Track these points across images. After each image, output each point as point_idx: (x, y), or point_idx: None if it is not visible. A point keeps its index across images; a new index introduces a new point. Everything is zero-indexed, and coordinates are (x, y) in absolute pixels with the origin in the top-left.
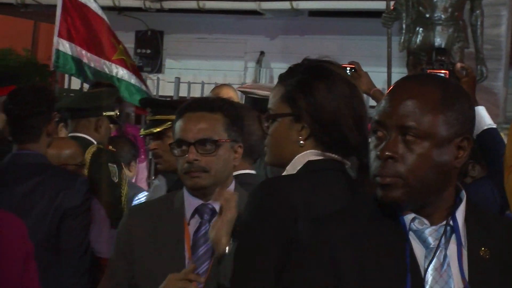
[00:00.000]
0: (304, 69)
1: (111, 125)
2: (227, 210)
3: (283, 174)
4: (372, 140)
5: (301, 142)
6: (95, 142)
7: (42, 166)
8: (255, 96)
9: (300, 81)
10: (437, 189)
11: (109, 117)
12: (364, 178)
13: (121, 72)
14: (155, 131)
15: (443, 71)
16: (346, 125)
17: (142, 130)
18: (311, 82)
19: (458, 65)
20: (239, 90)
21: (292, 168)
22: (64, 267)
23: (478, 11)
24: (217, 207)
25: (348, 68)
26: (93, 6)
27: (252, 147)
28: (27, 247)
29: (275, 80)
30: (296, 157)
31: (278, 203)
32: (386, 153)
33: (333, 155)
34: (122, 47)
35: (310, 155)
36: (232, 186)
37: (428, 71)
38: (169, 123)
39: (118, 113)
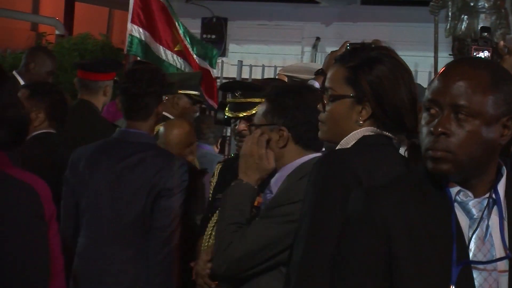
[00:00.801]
0: (365, 52)
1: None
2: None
3: (337, 148)
4: (424, 117)
5: (361, 122)
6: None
7: (147, 145)
8: (298, 79)
9: (363, 64)
10: (482, 164)
11: (191, 96)
12: (416, 157)
13: (180, 63)
14: (249, 113)
15: (486, 48)
16: (404, 108)
17: (228, 111)
18: (374, 66)
19: (501, 43)
20: (284, 75)
21: (346, 142)
22: (152, 244)
23: None
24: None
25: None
26: None
27: None
28: (51, 209)
29: None
30: (350, 134)
31: (345, 174)
32: (439, 129)
33: (386, 132)
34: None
35: (365, 131)
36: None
37: (473, 47)
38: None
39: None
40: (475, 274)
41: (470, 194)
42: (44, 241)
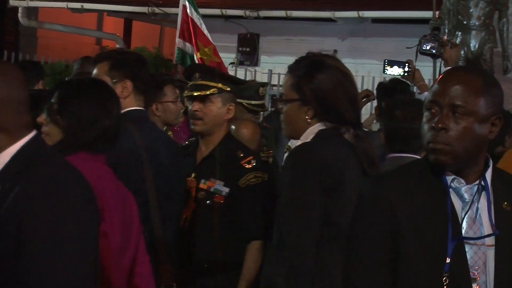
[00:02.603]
0: (307, 62)
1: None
2: None
3: (298, 143)
4: (425, 115)
5: (308, 120)
6: None
7: None
8: None
9: (305, 73)
10: (474, 155)
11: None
12: (359, 144)
13: None
14: (203, 94)
15: (433, 41)
16: (342, 106)
17: (187, 92)
18: (313, 74)
19: (444, 37)
20: None
21: (305, 138)
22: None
23: (504, 19)
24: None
25: (406, 64)
26: (195, 18)
27: None
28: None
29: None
30: (307, 130)
31: (316, 161)
32: (440, 125)
33: (333, 125)
34: (206, 49)
35: (319, 126)
36: None
37: (422, 39)
38: (214, 89)
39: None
40: (467, 248)
41: (462, 181)
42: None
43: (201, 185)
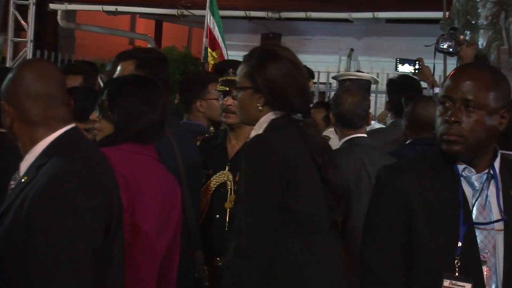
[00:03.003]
0: (261, 53)
1: None
2: None
3: (253, 132)
4: (438, 109)
5: (260, 107)
6: None
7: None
8: (354, 77)
9: (257, 62)
10: (484, 146)
11: None
12: (308, 130)
13: None
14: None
15: (450, 40)
16: (291, 95)
17: (220, 87)
18: (265, 64)
19: (461, 37)
20: (338, 79)
21: (259, 127)
22: None
23: (510, 19)
24: None
25: (416, 62)
26: (211, 22)
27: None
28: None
29: (362, 69)
30: (261, 119)
31: (273, 155)
32: (453, 118)
33: (284, 113)
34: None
35: (271, 115)
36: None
37: (440, 38)
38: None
39: None
40: (477, 232)
41: (473, 170)
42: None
43: (238, 178)
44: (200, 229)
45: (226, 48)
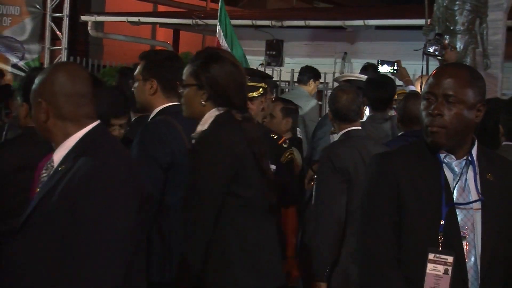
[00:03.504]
0: (204, 55)
1: None
2: None
3: (199, 127)
4: (423, 104)
5: (203, 102)
6: None
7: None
8: (351, 78)
9: (202, 63)
10: (464, 136)
11: None
12: (246, 124)
13: None
14: (252, 95)
15: (436, 44)
16: (231, 91)
17: None
18: (208, 64)
19: (445, 42)
20: (338, 80)
21: (204, 122)
22: None
23: (484, 25)
24: None
25: (395, 63)
26: (217, 30)
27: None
28: None
29: (355, 71)
30: (205, 115)
31: (223, 150)
32: (436, 111)
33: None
34: None
35: (215, 111)
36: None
37: (427, 42)
38: (261, 89)
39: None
40: (458, 212)
41: (453, 157)
42: None
43: None
44: None
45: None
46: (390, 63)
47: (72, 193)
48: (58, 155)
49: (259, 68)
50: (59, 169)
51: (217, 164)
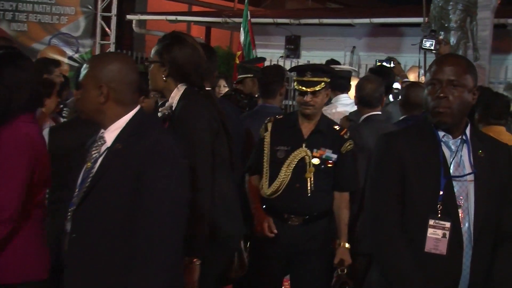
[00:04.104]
0: (169, 37)
1: None
2: None
3: (169, 102)
4: (427, 89)
5: (164, 78)
6: None
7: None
8: (338, 69)
9: (165, 44)
10: (462, 116)
11: None
12: (209, 96)
13: None
14: (314, 89)
15: (432, 39)
16: (189, 71)
17: (299, 86)
18: (172, 44)
19: (440, 37)
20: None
21: (173, 100)
22: None
23: (474, 22)
24: None
25: (391, 61)
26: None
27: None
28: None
29: (362, 63)
30: (173, 93)
31: (206, 116)
32: (441, 94)
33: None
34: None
35: (181, 88)
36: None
37: (424, 37)
38: (323, 84)
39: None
40: (454, 184)
41: (450, 136)
42: None
43: (314, 153)
44: (281, 196)
45: (249, 48)
46: (387, 61)
47: (135, 167)
48: (111, 135)
49: (279, 60)
50: (115, 147)
51: (206, 130)
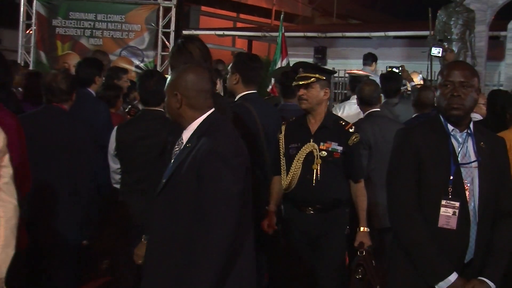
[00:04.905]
0: (185, 40)
1: None
2: None
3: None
4: (441, 90)
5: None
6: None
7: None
8: (356, 74)
9: (181, 43)
10: (470, 112)
11: None
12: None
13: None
14: (306, 82)
15: (439, 47)
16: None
17: (295, 82)
18: (187, 45)
19: (445, 45)
20: (350, 73)
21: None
22: None
23: (472, 35)
24: None
25: (399, 67)
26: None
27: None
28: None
29: (378, 69)
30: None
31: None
32: (455, 93)
33: None
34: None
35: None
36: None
37: (432, 45)
38: (313, 78)
39: None
40: (462, 170)
41: (458, 130)
42: None
43: (321, 146)
44: (295, 188)
45: (280, 57)
46: (396, 68)
47: (197, 164)
48: (186, 135)
49: None
50: (187, 145)
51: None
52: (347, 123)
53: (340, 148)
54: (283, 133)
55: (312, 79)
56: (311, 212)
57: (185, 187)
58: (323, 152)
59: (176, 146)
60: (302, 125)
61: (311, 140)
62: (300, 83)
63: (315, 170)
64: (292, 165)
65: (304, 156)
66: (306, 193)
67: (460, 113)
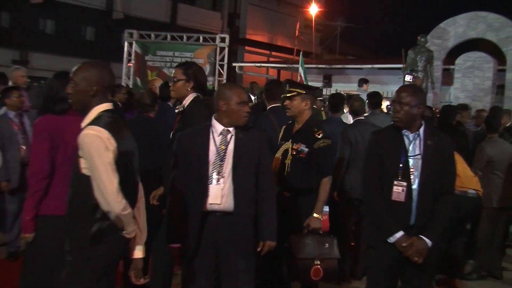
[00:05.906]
0: (190, 64)
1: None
2: None
3: (179, 106)
4: (394, 106)
5: (189, 89)
6: None
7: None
8: (354, 94)
9: (187, 66)
10: (412, 122)
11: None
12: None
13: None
14: (290, 95)
15: (410, 75)
16: (205, 82)
17: (283, 95)
18: (190, 68)
19: (414, 74)
20: (349, 93)
21: (186, 102)
22: None
23: (431, 67)
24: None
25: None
26: (299, 71)
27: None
28: None
29: (369, 89)
30: (189, 97)
31: (204, 118)
32: (394, 109)
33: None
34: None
35: (194, 95)
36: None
37: (405, 74)
38: (294, 92)
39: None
40: (410, 160)
41: (409, 132)
42: None
43: (294, 146)
44: (276, 176)
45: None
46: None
47: (257, 148)
48: (230, 128)
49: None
50: (239, 135)
51: (202, 122)
52: (318, 130)
53: (306, 150)
54: (281, 132)
55: (294, 93)
56: (287, 196)
57: (252, 163)
58: (294, 151)
59: (221, 136)
60: (290, 128)
61: (290, 140)
62: (286, 95)
63: (287, 164)
64: (275, 158)
65: (282, 152)
66: (280, 181)
67: (397, 123)
